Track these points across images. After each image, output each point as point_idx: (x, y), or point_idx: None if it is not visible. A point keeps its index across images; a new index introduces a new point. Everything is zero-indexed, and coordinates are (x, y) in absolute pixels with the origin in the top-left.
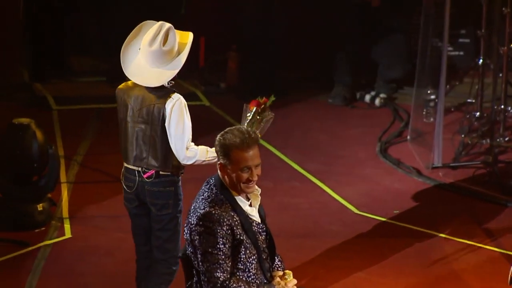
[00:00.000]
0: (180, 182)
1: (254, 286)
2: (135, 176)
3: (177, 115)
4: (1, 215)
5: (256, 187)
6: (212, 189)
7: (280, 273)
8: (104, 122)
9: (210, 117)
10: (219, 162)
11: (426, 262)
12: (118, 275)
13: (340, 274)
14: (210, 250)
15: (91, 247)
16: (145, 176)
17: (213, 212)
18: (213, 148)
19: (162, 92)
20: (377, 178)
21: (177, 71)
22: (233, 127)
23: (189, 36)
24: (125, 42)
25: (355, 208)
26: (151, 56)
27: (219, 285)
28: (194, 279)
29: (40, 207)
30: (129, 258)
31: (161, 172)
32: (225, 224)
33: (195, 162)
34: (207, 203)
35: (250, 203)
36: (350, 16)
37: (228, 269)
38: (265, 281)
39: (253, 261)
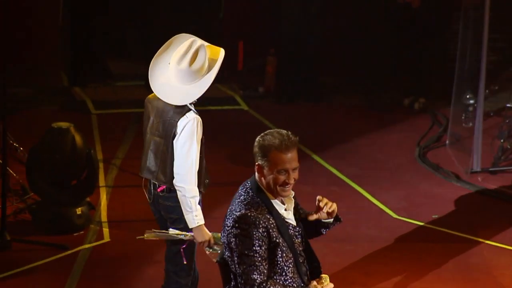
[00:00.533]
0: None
1: None
2: (152, 188)
3: (186, 135)
4: (40, 219)
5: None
6: (248, 192)
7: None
8: (142, 126)
9: (248, 121)
10: (257, 163)
11: (465, 267)
12: (156, 279)
13: (378, 279)
14: (246, 252)
15: (129, 251)
16: (158, 190)
17: (249, 214)
18: (199, 209)
19: (180, 109)
20: (416, 182)
21: (204, 90)
22: (273, 129)
23: (220, 52)
24: (155, 55)
25: (394, 212)
26: (179, 74)
27: (256, 287)
28: (232, 283)
29: (79, 211)
30: None
31: (171, 188)
32: (261, 226)
33: (181, 188)
34: (243, 205)
35: (286, 207)
36: (390, 18)
37: (265, 271)
38: (302, 284)
39: (290, 265)
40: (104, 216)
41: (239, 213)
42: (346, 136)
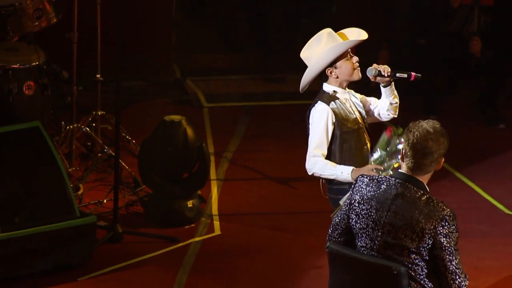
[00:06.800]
0: None
1: None
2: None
3: (312, 123)
4: (152, 212)
5: None
6: (417, 190)
7: None
8: (255, 120)
9: None
10: (443, 159)
11: None
12: (269, 272)
13: (489, 274)
14: (457, 248)
15: (241, 245)
16: (323, 180)
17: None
18: (334, 165)
19: (315, 100)
20: None
21: (305, 78)
22: (419, 123)
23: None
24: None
25: (506, 208)
26: None
27: (467, 280)
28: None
29: (190, 203)
30: (280, 257)
31: (330, 180)
32: None
33: (314, 174)
34: (440, 203)
35: None
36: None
37: None
38: None
39: None
40: (215, 209)
41: (447, 210)
42: (456, 129)
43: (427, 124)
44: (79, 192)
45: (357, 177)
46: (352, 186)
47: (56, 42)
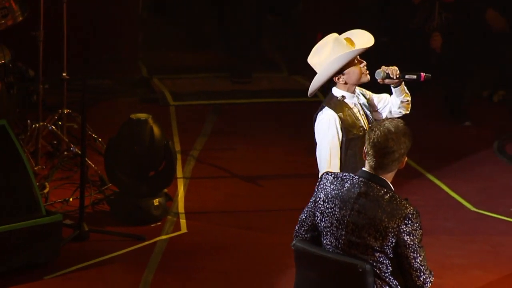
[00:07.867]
0: None
1: None
2: None
3: (319, 131)
4: (118, 210)
5: None
6: (382, 188)
7: None
8: (221, 118)
9: None
10: (405, 157)
11: None
12: (235, 271)
13: (455, 271)
14: (421, 245)
15: (207, 243)
16: None
17: (416, 210)
18: None
19: (321, 105)
20: (495, 175)
21: (314, 82)
22: (382, 122)
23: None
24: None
25: (472, 205)
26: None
27: (432, 277)
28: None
29: (156, 202)
30: (246, 255)
31: None
32: None
33: None
34: (403, 201)
35: None
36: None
37: None
38: None
39: None
40: (181, 207)
41: (410, 209)
42: (423, 128)
43: (390, 124)
44: (45, 191)
45: (322, 175)
46: (317, 184)
47: (22, 41)
